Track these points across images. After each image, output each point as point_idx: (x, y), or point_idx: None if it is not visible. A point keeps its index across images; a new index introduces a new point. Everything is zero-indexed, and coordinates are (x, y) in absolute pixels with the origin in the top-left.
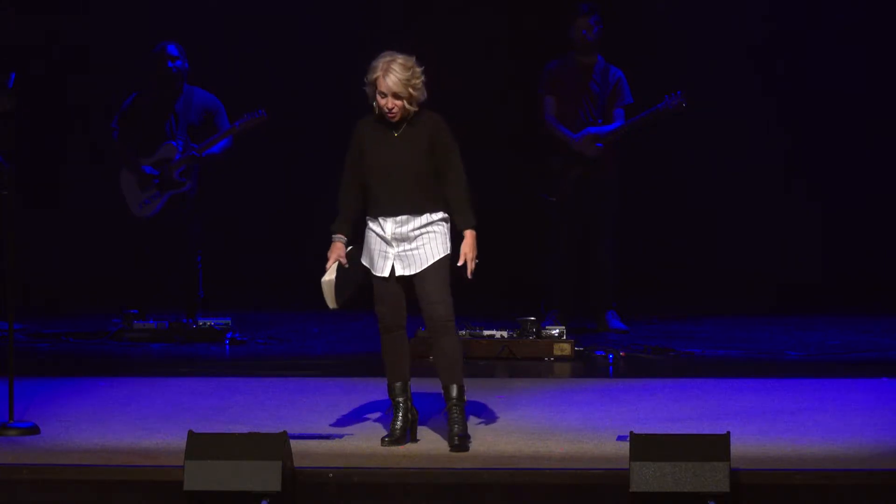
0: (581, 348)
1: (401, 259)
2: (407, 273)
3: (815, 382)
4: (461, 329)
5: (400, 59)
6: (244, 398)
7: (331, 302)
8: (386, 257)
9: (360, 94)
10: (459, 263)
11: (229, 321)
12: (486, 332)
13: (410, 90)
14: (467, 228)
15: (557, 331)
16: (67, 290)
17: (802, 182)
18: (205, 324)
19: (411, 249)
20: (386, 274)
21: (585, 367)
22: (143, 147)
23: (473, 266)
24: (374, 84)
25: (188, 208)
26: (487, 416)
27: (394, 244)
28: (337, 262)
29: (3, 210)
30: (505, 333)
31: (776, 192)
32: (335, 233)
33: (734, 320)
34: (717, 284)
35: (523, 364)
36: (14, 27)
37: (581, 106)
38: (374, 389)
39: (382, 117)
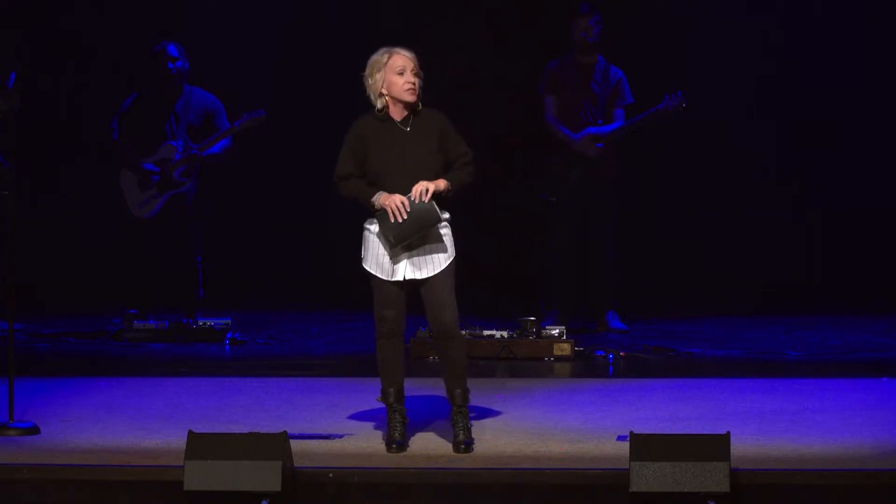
0: (581, 348)
1: (412, 263)
2: (419, 277)
3: (815, 382)
4: (461, 329)
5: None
6: (244, 398)
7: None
8: (397, 260)
9: (361, 92)
10: (414, 189)
11: (229, 321)
12: (486, 332)
13: (420, 71)
14: (446, 181)
15: (557, 331)
16: (67, 290)
17: (803, 182)
18: (205, 324)
19: (423, 253)
20: (399, 278)
21: (585, 367)
22: (143, 147)
23: (418, 192)
24: (386, 66)
25: (188, 208)
26: (487, 416)
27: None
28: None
29: (3, 210)
30: (505, 333)
31: (776, 192)
32: (372, 195)
33: (734, 320)
34: (717, 284)
35: (523, 364)
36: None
37: (581, 106)
38: (375, 390)
39: (386, 115)
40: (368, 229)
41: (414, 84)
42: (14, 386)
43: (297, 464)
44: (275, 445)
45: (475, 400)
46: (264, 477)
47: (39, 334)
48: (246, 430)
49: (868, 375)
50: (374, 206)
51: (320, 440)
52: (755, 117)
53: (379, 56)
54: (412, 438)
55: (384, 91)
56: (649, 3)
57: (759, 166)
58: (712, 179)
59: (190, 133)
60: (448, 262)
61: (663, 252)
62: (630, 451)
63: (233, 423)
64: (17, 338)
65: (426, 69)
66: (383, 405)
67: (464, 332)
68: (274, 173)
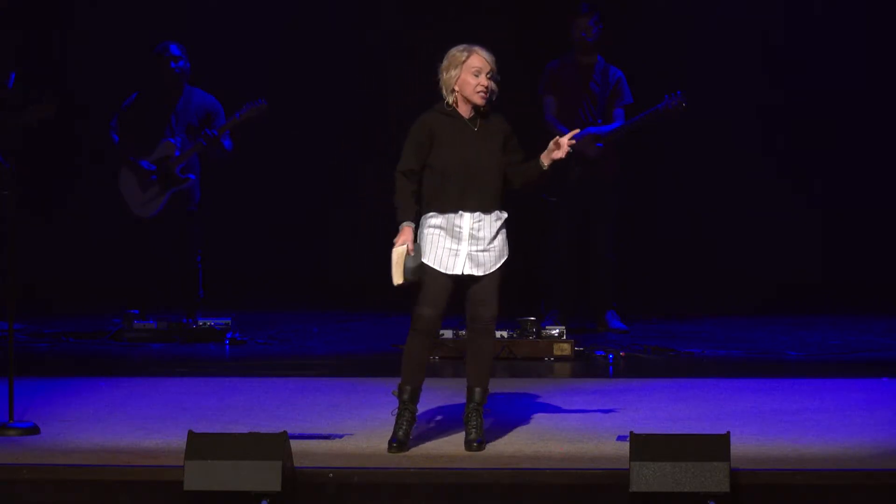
0: (581, 348)
1: (471, 258)
2: (477, 273)
3: (815, 382)
4: (461, 329)
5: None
6: (244, 398)
7: (398, 276)
8: (456, 255)
9: (362, 93)
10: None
11: (229, 321)
12: None
13: (496, 75)
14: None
15: (557, 331)
16: (67, 290)
17: (803, 182)
18: (205, 324)
19: (483, 250)
20: (458, 271)
21: (585, 367)
22: (143, 146)
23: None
24: (464, 64)
25: (188, 208)
26: (488, 416)
27: (467, 241)
28: (405, 245)
29: (3, 210)
30: (505, 333)
31: (776, 192)
32: (404, 221)
33: (734, 320)
34: (717, 284)
35: (523, 364)
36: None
37: (581, 106)
38: (375, 390)
39: (454, 112)
40: (430, 223)
41: (486, 88)
42: (14, 386)
43: (297, 464)
44: (275, 445)
45: None
46: (264, 477)
47: (39, 334)
48: (246, 430)
49: (868, 375)
50: (398, 229)
51: (320, 440)
52: (755, 117)
53: (459, 52)
54: (412, 438)
55: (456, 88)
56: (649, 3)
57: (759, 166)
58: (712, 179)
59: (189, 132)
60: (503, 260)
61: (663, 252)
62: (630, 451)
63: (233, 423)
64: (17, 338)
65: (426, 69)
66: (388, 402)
67: (463, 332)
68: (274, 173)
